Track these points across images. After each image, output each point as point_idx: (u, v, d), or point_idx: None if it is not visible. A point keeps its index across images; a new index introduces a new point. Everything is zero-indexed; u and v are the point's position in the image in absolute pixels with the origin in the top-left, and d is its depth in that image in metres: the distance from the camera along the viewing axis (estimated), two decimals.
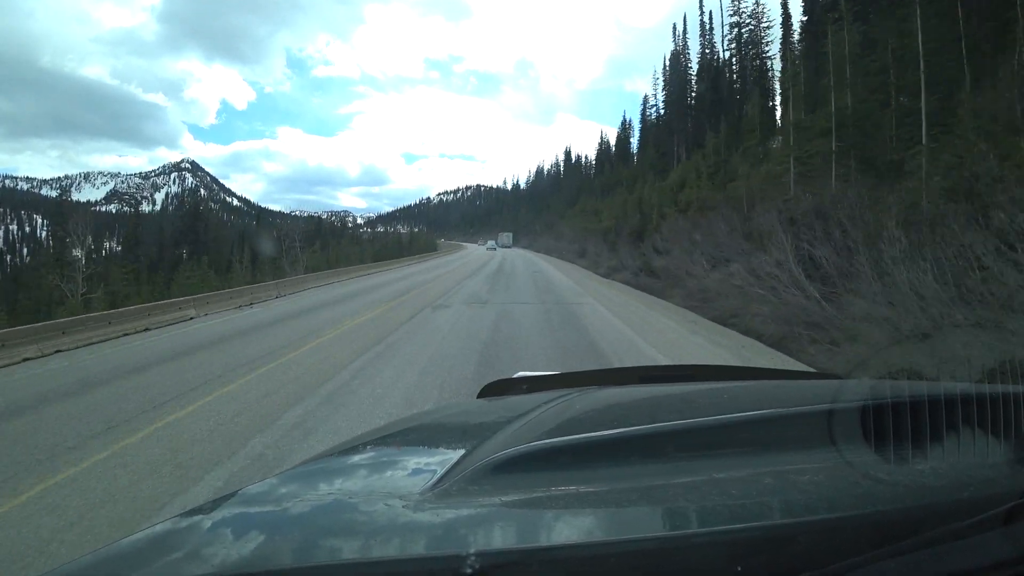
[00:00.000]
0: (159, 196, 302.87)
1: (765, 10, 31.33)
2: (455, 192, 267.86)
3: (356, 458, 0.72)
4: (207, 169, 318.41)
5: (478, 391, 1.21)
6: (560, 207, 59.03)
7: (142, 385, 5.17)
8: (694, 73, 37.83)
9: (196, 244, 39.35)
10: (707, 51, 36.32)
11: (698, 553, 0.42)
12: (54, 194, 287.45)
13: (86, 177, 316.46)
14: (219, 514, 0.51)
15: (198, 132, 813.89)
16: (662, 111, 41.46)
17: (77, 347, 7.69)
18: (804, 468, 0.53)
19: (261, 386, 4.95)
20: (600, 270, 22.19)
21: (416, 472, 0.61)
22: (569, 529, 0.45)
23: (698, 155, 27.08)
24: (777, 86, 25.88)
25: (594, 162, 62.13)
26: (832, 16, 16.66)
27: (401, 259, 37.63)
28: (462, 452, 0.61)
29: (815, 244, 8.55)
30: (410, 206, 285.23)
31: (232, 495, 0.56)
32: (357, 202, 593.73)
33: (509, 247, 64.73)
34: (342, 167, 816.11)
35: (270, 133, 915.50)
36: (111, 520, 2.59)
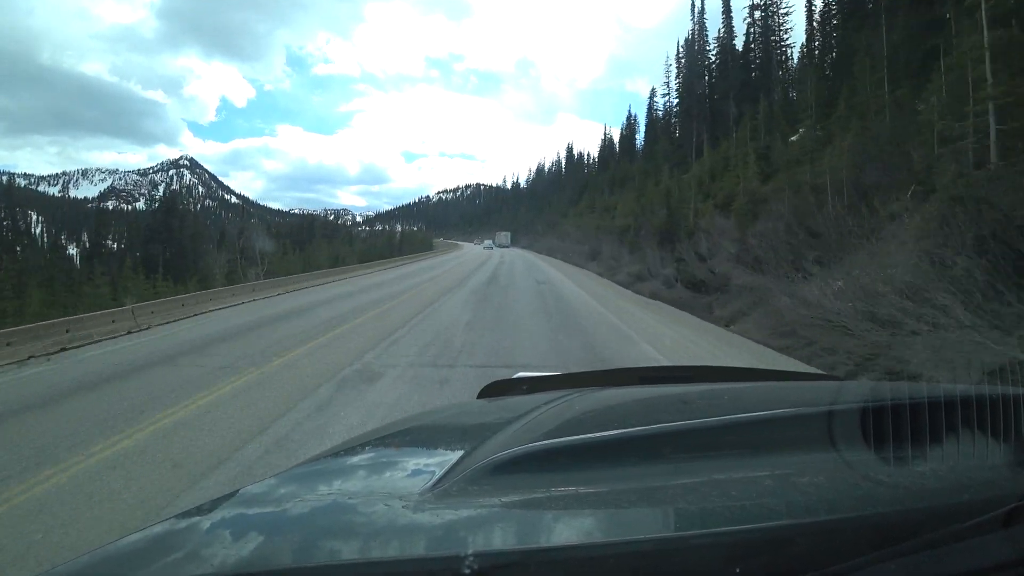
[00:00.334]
0: (157, 193, 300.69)
1: None
2: (455, 191, 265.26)
3: (355, 458, 0.71)
4: (206, 166, 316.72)
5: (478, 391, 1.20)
6: (562, 205, 55.82)
7: None
8: (713, 56, 34.22)
9: (171, 243, 35.72)
10: (725, 34, 33.10)
11: (697, 554, 0.42)
12: (52, 191, 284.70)
13: (84, 174, 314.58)
14: (218, 514, 0.51)
15: (198, 129, 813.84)
16: (675, 101, 38.49)
17: None
18: (804, 469, 0.52)
19: None
20: (619, 277, 18.58)
21: (415, 472, 0.61)
22: (568, 530, 0.45)
23: (725, 143, 23.48)
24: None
25: (596, 159, 59.11)
26: None
27: (391, 259, 34.26)
28: (462, 453, 0.61)
29: None
30: (409, 205, 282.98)
31: (231, 495, 0.55)
32: (357, 200, 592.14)
33: (507, 247, 61.96)
34: (342, 165, 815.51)
35: (270, 131, 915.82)
36: None
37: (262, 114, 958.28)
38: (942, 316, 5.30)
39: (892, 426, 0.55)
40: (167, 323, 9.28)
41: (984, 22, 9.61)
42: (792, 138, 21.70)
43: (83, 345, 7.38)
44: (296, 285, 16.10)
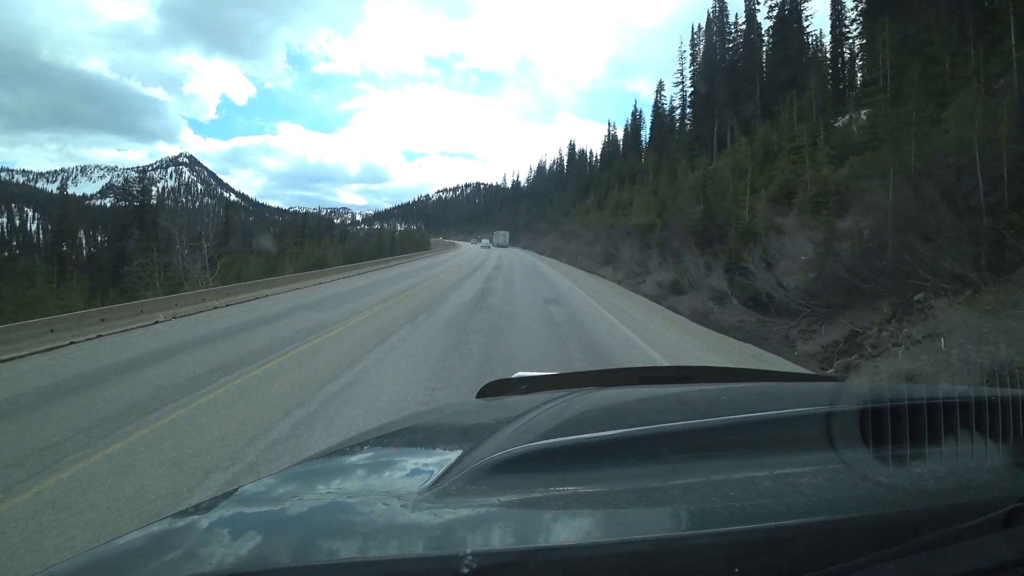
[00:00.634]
0: (155, 190, 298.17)
1: None
2: (454, 190, 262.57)
3: (354, 458, 0.71)
4: (205, 164, 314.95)
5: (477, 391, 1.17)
6: (565, 204, 51.99)
7: None
8: (733, 39, 30.56)
9: (143, 239, 32.14)
10: (747, 19, 29.78)
11: (696, 555, 0.42)
12: (50, 188, 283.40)
13: (83, 171, 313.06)
14: (216, 513, 0.50)
15: (198, 127, 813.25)
16: (689, 90, 34.70)
17: None
18: (803, 470, 0.52)
19: None
20: (646, 287, 15.14)
21: (414, 472, 0.60)
22: (567, 530, 0.45)
23: (762, 130, 19.76)
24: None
25: (599, 157, 55.97)
26: None
27: (380, 261, 30.70)
28: (460, 452, 0.61)
29: None
30: (408, 203, 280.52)
31: (229, 494, 0.55)
32: (357, 199, 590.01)
33: (505, 247, 58.64)
34: (342, 164, 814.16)
35: (270, 129, 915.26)
36: None
37: (263, 112, 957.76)
38: None
39: (891, 427, 0.55)
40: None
41: None
42: (838, 121, 18.00)
43: None
44: (231, 298, 12.43)
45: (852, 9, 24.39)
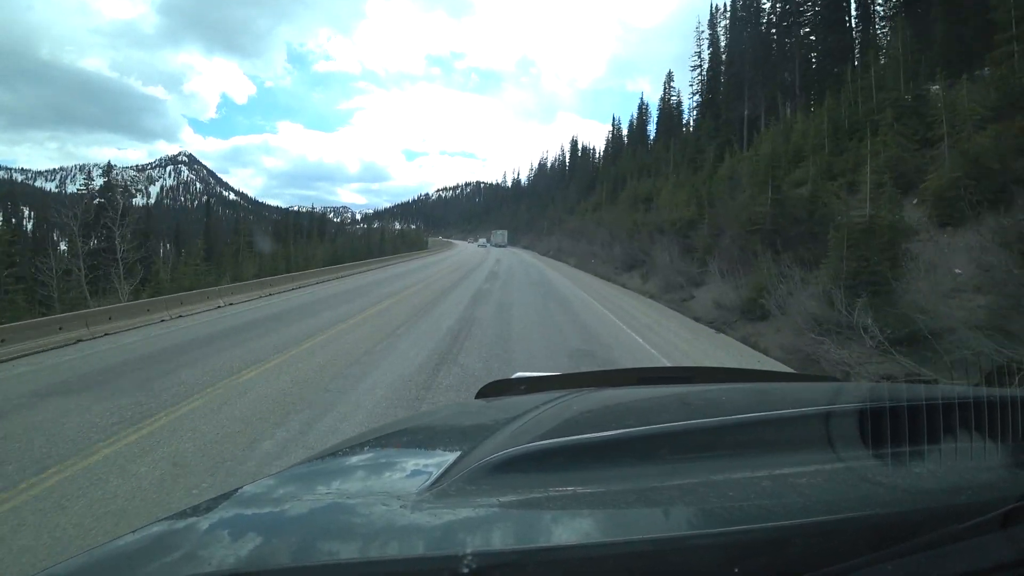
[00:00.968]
0: (154, 189, 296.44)
1: None
2: (454, 189, 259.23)
3: (353, 458, 0.71)
4: (205, 163, 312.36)
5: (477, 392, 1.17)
6: (568, 201, 48.13)
7: None
8: (768, 12, 26.69)
9: (110, 239, 28.30)
10: None
11: (696, 555, 0.42)
12: (49, 186, 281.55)
13: (81, 169, 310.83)
14: (216, 514, 0.50)
15: (198, 126, 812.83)
16: (706, 72, 30.74)
17: None
18: (802, 470, 0.52)
19: None
20: (697, 308, 11.22)
21: (414, 472, 0.60)
22: (566, 530, 0.45)
23: (820, 110, 15.81)
24: None
25: (602, 154, 52.06)
26: None
27: (367, 262, 27.08)
28: (460, 453, 0.61)
29: None
30: (408, 203, 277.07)
31: (228, 495, 0.55)
32: (357, 198, 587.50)
33: (504, 246, 56.54)
34: (342, 163, 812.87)
35: (270, 128, 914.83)
36: None
37: (263, 111, 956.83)
38: None
39: (891, 427, 0.55)
40: None
41: None
42: (933, 88, 13.98)
43: None
44: (131, 320, 8.94)
45: None
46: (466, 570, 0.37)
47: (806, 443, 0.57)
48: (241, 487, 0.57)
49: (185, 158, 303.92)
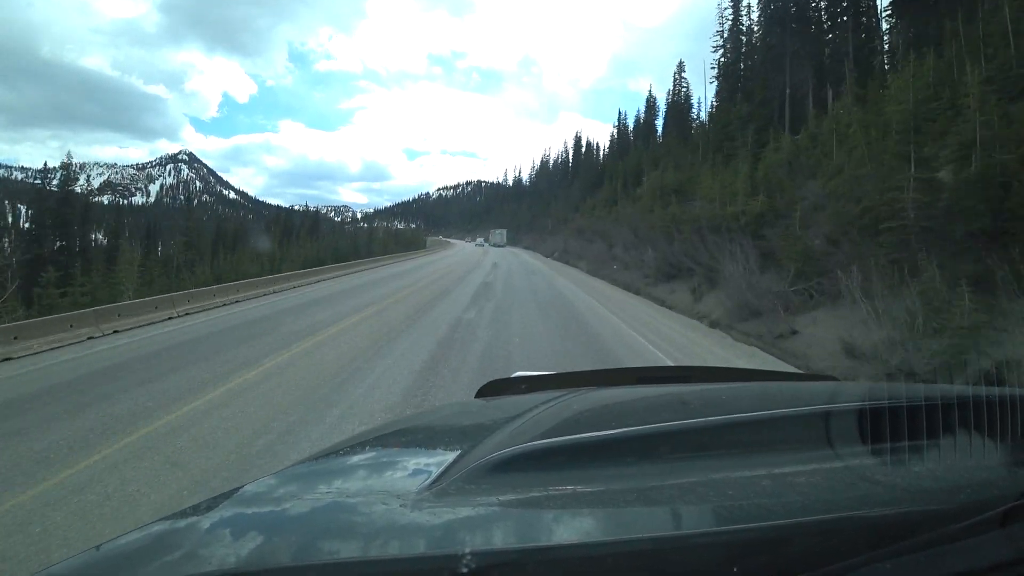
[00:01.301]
0: (154, 188, 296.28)
1: None
2: (455, 188, 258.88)
3: (353, 458, 0.71)
4: (205, 162, 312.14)
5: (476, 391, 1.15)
6: (573, 199, 48.02)
7: None
8: None
9: (69, 240, 28.32)
10: None
11: (695, 554, 0.42)
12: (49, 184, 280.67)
13: (82, 168, 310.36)
14: (216, 513, 0.51)
15: (199, 125, 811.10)
16: (727, 53, 27.99)
17: None
18: (801, 470, 0.52)
19: None
20: (857, 367, 5.61)
21: (413, 472, 0.60)
22: (566, 529, 0.45)
23: (898, 80, 9.82)
24: None
25: (607, 149, 51.90)
26: None
27: (352, 264, 24.64)
28: (459, 452, 0.61)
29: None
30: (408, 201, 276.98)
31: (228, 495, 0.55)
32: (358, 198, 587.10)
33: (503, 246, 54.58)
34: (343, 162, 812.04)
35: (271, 127, 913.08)
36: None
37: (264, 110, 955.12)
38: None
39: (889, 427, 0.55)
40: None
41: None
42: None
43: None
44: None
45: None
46: (466, 569, 0.37)
47: (805, 442, 0.57)
48: (242, 486, 0.57)
49: (185, 157, 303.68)
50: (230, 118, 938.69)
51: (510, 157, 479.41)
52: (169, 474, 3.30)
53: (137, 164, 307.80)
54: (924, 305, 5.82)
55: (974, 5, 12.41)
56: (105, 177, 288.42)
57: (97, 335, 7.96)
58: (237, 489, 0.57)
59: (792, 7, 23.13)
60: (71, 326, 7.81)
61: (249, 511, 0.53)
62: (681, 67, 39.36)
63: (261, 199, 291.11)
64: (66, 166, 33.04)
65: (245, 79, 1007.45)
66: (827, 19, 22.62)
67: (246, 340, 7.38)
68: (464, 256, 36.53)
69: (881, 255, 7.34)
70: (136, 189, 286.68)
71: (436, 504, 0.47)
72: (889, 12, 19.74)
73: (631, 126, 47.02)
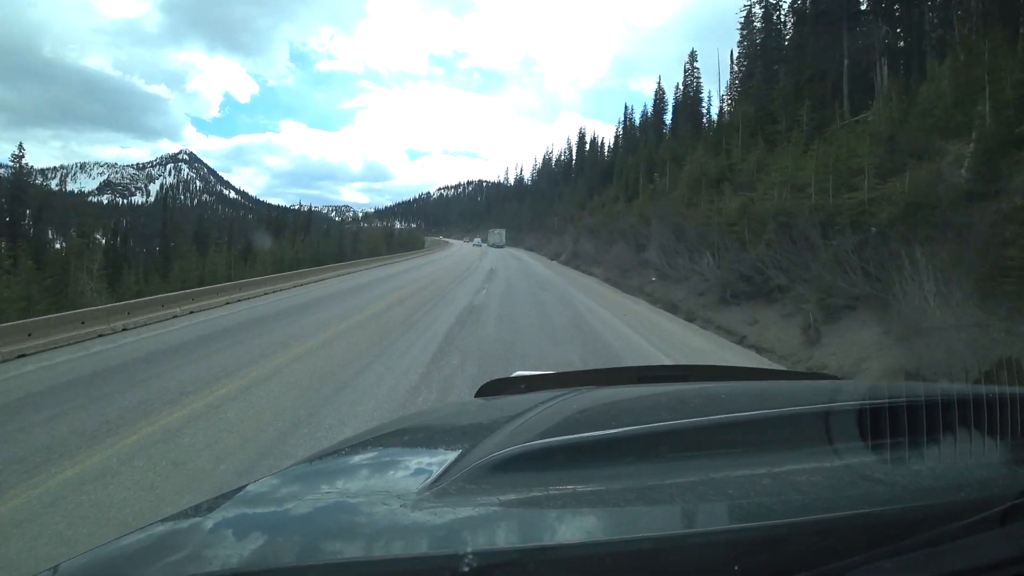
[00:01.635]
0: (154, 187, 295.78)
1: None
2: (456, 187, 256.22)
3: (353, 457, 0.71)
4: (207, 161, 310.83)
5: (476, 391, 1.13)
6: (578, 196, 45.49)
7: None
8: None
9: (15, 235, 26.04)
10: None
11: (696, 553, 0.42)
12: (49, 184, 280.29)
13: (82, 167, 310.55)
14: (219, 514, 0.51)
15: (201, 125, 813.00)
16: (760, 29, 24.07)
17: None
18: (801, 468, 0.52)
19: None
20: None
21: (414, 471, 0.61)
22: (566, 529, 0.45)
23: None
24: None
25: (611, 146, 49.56)
26: None
27: (334, 267, 21.78)
28: (459, 451, 0.61)
29: None
30: (408, 201, 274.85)
31: (230, 495, 0.56)
32: (360, 197, 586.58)
33: (502, 247, 52.85)
34: (345, 162, 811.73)
35: (273, 127, 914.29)
36: None
37: (265, 110, 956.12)
38: None
39: (889, 425, 0.55)
40: None
41: None
42: None
43: None
44: None
45: None
46: (467, 569, 0.37)
47: (805, 441, 0.57)
48: (244, 486, 0.57)
49: (185, 156, 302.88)
50: (232, 118, 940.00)
51: (511, 157, 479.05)
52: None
53: (137, 163, 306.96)
54: None
55: None
56: (105, 177, 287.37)
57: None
58: (239, 489, 0.57)
59: None
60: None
61: (251, 511, 0.53)
62: (693, 56, 36.87)
63: (262, 199, 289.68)
64: (18, 158, 30.55)
65: (247, 79, 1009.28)
66: None
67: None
68: (459, 258, 33.12)
69: None
70: (136, 189, 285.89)
71: (437, 504, 0.47)
72: None
73: (638, 121, 44.87)
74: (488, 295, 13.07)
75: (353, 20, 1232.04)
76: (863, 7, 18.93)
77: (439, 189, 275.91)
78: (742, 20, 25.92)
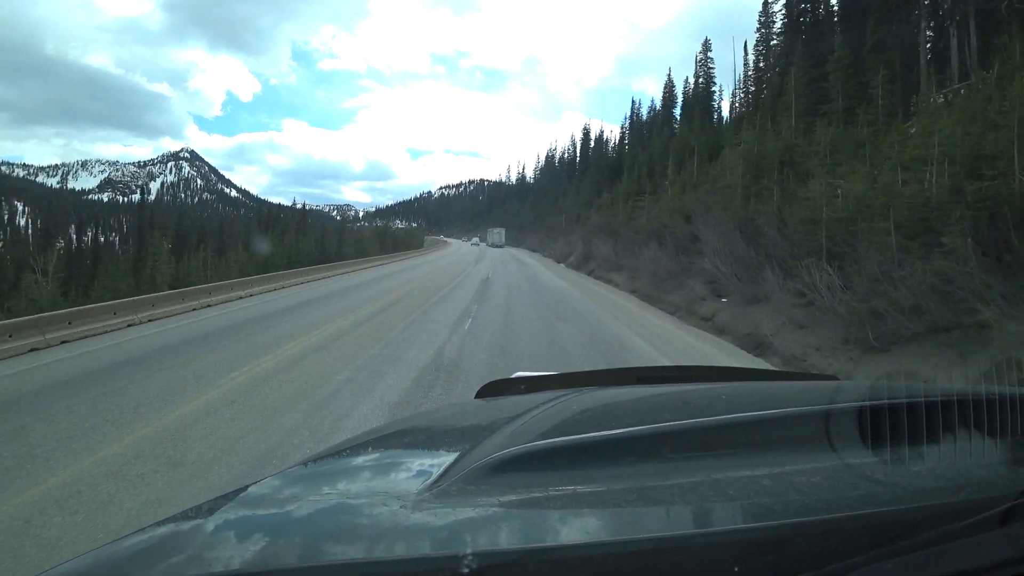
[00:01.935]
0: (155, 185, 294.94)
1: None
2: (457, 187, 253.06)
3: (353, 458, 0.71)
4: (209, 160, 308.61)
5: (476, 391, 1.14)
6: (584, 194, 42.57)
7: None
8: None
9: None
10: None
11: (696, 554, 0.42)
12: (50, 182, 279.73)
13: (83, 165, 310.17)
14: (220, 515, 0.51)
15: (203, 123, 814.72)
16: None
17: None
18: (802, 469, 0.52)
19: None
20: None
21: (414, 472, 0.60)
22: (567, 529, 0.45)
23: None
24: None
25: (617, 142, 46.78)
26: None
27: (311, 269, 19.34)
28: (459, 452, 0.60)
29: None
30: (410, 200, 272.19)
31: (231, 496, 0.55)
32: (362, 197, 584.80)
33: (501, 246, 52.00)
34: (347, 161, 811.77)
35: (275, 126, 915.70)
36: None
37: (267, 109, 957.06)
38: None
39: (889, 426, 0.55)
40: None
41: None
42: None
43: None
44: None
45: None
46: (467, 570, 0.37)
47: (806, 442, 0.57)
48: (245, 487, 0.57)
49: (187, 154, 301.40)
50: (234, 116, 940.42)
51: (514, 156, 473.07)
52: None
53: (138, 161, 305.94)
54: None
55: None
56: (106, 175, 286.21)
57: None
58: (240, 490, 0.56)
59: None
60: None
61: (252, 512, 0.53)
62: (707, 46, 34.17)
63: (263, 197, 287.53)
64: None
65: (248, 77, 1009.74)
66: None
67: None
68: (454, 259, 30.55)
69: None
70: (136, 187, 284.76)
71: (437, 505, 0.47)
72: None
73: (645, 116, 42.17)
74: (475, 329, 8.21)
75: (355, 19, 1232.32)
76: None
77: (440, 188, 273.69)
78: None
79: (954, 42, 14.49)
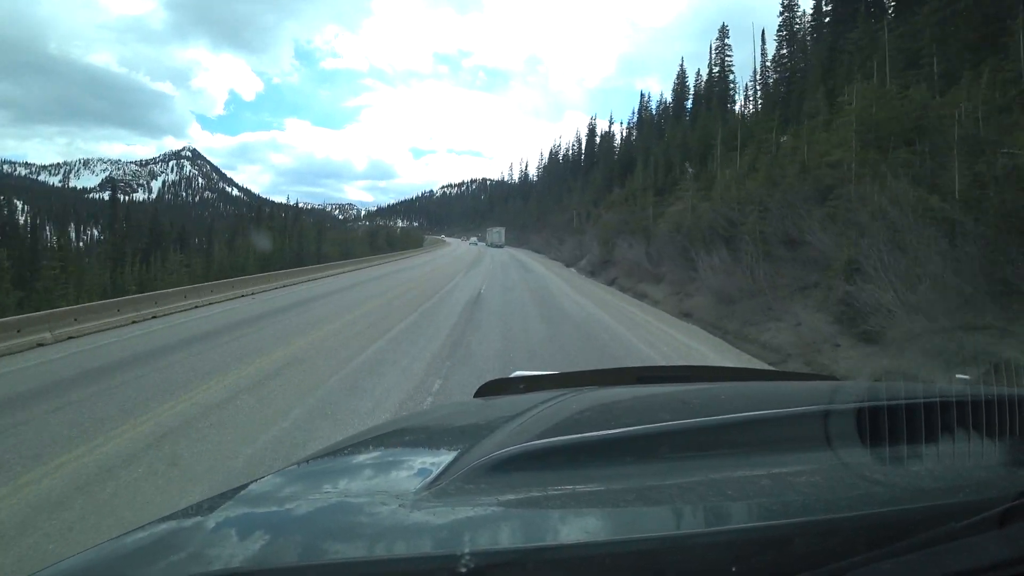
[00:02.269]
0: (156, 184, 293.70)
1: None
2: (459, 186, 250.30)
3: (352, 457, 0.71)
4: (211, 159, 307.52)
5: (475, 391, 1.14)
6: (591, 191, 39.88)
7: None
8: None
9: None
10: None
11: (695, 553, 0.42)
12: (52, 180, 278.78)
13: (85, 164, 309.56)
14: (221, 513, 0.51)
15: (206, 122, 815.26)
16: None
17: None
18: (801, 469, 0.53)
19: None
20: None
21: (412, 471, 0.60)
22: (565, 529, 0.45)
23: None
24: None
25: (623, 138, 44.70)
26: None
27: (284, 273, 16.74)
28: (458, 451, 0.60)
29: None
30: (411, 199, 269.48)
31: (231, 494, 0.55)
32: (364, 196, 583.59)
33: (501, 246, 50.98)
34: (349, 160, 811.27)
35: (278, 125, 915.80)
36: None
37: (270, 108, 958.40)
38: None
39: (888, 426, 0.55)
40: None
41: None
42: None
43: None
44: None
45: None
46: (465, 569, 0.37)
47: (805, 442, 0.57)
48: (246, 485, 0.57)
49: (189, 153, 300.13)
50: (237, 115, 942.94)
51: (516, 156, 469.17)
52: None
53: (139, 160, 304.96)
54: None
55: None
56: (108, 173, 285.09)
57: None
58: (240, 488, 0.56)
59: None
60: None
61: (253, 510, 0.53)
62: (724, 32, 31.75)
63: (265, 196, 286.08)
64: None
65: (251, 77, 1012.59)
66: None
67: None
68: (450, 260, 27.79)
69: None
70: (138, 185, 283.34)
71: (435, 504, 0.47)
72: None
73: (655, 110, 40.03)
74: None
75: (358, 18, 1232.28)
76: None
77: (442, 187, 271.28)
78: None
79: None
